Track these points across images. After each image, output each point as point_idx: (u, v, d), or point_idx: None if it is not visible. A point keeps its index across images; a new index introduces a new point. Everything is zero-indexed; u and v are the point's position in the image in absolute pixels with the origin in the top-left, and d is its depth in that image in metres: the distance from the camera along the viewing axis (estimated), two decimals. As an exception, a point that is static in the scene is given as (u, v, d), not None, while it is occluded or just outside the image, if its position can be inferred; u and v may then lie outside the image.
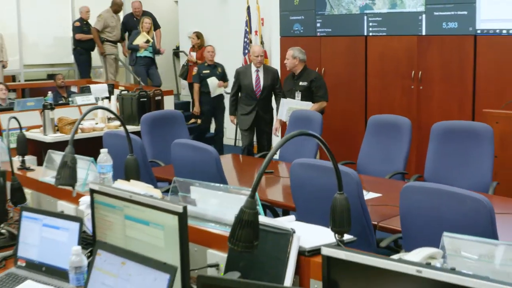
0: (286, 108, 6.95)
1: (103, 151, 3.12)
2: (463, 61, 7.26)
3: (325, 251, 1.80)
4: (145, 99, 7.87)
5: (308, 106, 6.90)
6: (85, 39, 11.06)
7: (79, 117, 3.00)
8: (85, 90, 8.60)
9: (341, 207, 2.25)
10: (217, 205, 2.64)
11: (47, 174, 3.51)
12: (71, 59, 11.69)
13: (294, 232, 2.26)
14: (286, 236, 2.26)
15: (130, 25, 11.07)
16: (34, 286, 2.55)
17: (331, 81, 7.88)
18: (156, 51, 10.55)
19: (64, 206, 3.25)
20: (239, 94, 7.72)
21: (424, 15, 7.50)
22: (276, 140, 8.12)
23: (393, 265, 1.69)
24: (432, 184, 3.48)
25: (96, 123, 7.60)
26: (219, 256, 2.49)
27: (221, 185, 2.72)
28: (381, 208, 4.23)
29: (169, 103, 8.64)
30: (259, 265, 2.29)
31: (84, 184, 3.20)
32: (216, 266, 2.49)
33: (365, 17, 8.02)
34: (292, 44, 8.64)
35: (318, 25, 8.50)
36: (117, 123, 7.67)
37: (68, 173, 2.62)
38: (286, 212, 4.74)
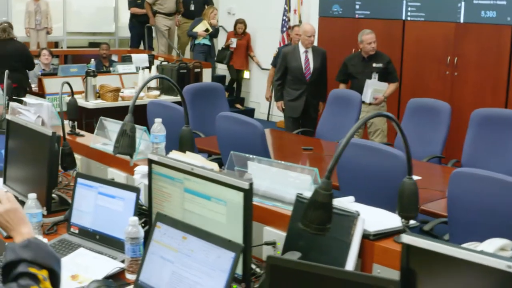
0: (371, 90, 6.54)
1: (157, 121, 2.95)
2: (499, 50, 7.01)
3: (406, 239, 1.62)
4: (185, 71, 7.72)
5: (386, 87, 6.60)
6: (139, 13, 10.80)
7: (140, 84, 2.82)
8: (126, 59, 8.44)
9: (410, 192, 2.08)
10: (275, 182, 2.47)
11: (98, 141, 3.36)
12: (112, 28, 11.53)
13: (358, 214, 2.09)
14: (350, 218, 2.09)
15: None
16: (88, 254, 2.41)
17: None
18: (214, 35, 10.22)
19: (115, 173, 3.10)
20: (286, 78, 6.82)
21: (463, 3, 7.23)
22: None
23: (482, 259, 1.51)
24: (484, 172, 3.29)
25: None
26: (276, 234, 2.33)
27: (280, 161, 2.55)
28: (422, 191, 4.03)
29: (207, 76, 8.46)
30: (320, 246, 2.13)
31: (136, 153, 3.03)
32: (273, 244, 2.34)
33: (404, 1, 7.76)
34: (330, 24, 8.45)
35: (357, 7, 8.25)
36: (157, 92, 7.53)
37: (127, 142, 2.46)
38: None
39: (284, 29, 9.19)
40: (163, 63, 7.87)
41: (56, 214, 2.80)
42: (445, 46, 7.44)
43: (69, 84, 3.43)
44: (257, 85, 10.34)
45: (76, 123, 3.65)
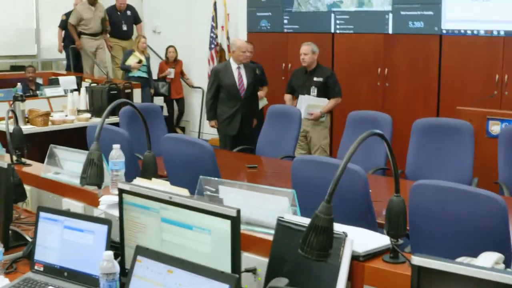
0: (305, 105, 6.50)
1: (116, 147, 2.81)
2: (428, 59, 7.16)
3: (417, 261, 1.57)
4: (115, 92, 7.50)
5: (324, 102, 6.52)
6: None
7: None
8: (53, 82, 8.19)
9: (398, 210, 2.03)
10: (251, 206, 2.38)
11: (48, 170, 3.19)
12: (34, 50, 11.15)
13: (346, 235, 2.02)
14: (338, 240, 2.02)
15: (113, 19, 10.32)
16: (57, 293, 2.25)
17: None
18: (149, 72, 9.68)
19: (71, 204, 2.94)
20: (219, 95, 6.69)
21: (391, 14, 7.36)
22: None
23: (500, 277, 1.47)
24: (445, 182, 3.29)
25: (66, 115, 7.20)
26: (256, 260, 2.24)
27: (252, 184, 2.46)
28: (375, 204, 4.03)
29: (137, 96, 8.28)
30: (308, 271, 2.05)
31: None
32: (253, 270, 2.24)
33: (333, 14, 7.84)
34: (259, 39, 8.41)
35: (286, 21, 8.28)
36: (88, 115, 7.30)
37: (95, 172, 2.32)
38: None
39: (212, 46, 9.12)
40: (92, 84, 7.64)
41: (13, 251, 2.62)
42: (375, 58, 7.54)
43: (14, 112, 3.25)
44: (187, 104, 10.22)
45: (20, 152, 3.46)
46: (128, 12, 10.50)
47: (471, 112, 5.69)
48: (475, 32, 6.81)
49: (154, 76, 9.88)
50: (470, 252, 2.18)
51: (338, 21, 7.80)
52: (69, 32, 10.17)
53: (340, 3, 7.76)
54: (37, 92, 8.11)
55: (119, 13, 10.47)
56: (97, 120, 7.25)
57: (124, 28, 10.46)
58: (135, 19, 10.57)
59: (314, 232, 1.71)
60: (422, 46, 7.18)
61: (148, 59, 9.50)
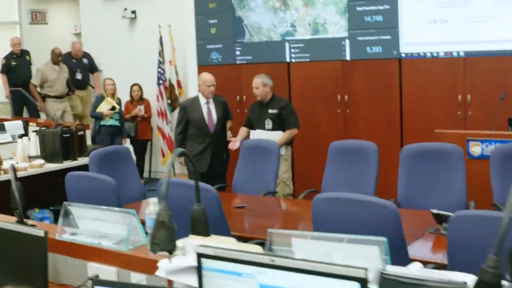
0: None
1: (153, 201, 2.50)
2: (389, 84, 7.08)
3: None
4: (68, 135, 7.07)
5: (278, 136, 6.26)
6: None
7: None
8: (-1, 128, 7.66)
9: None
10: (332, 258, 2.11)
11: (63, 231, 2.81)
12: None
13: (466, 284, 1.79)
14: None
15: (69, 68, 9.74)
16: None
17: (253, 108, 7.34)
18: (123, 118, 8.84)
19: (99, 269, 2.59)
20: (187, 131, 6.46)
21: (347, 40, 7.25)
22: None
23: None
24: (484, 212, 3.12)
25: (17, 163, 6.70)
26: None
27: (327, 233, 2.20)
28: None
29: (88, 137, 7.84)
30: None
31: (127, 242, 2.55)
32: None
33: (287, 43, 7.67)
34: (210, 72, 8.13)
35: (238, 53, 8.05)
36: (41, 161, 6.83)
37: (167, 235, 1.99)
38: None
39: (161, 81, 8.79)
40: (42, 128, 7.17)
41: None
42: (334, 85, 7.41)
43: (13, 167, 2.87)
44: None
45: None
46: (85, 60, 10.01)
47: (450, 135, 5.61)
48: (435, 54, 6.78)
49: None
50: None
51: (293, 50, 7.64)
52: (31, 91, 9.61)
53: (294, 32, 7.61)
54: (-18, 139, 7.58)
55: (74, 60, 9.96)
56: (50, 166, 6.81)
57: (78, 76, 9.98)
58: (92, 68, 10.05)
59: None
60: (381, 70, 7.10)
61: (120, 103, 8.77)
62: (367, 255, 2.09)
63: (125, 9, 9.53)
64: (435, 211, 3.96)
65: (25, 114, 10.21)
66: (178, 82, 8.90)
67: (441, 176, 4.81)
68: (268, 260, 1.78)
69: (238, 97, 8.02)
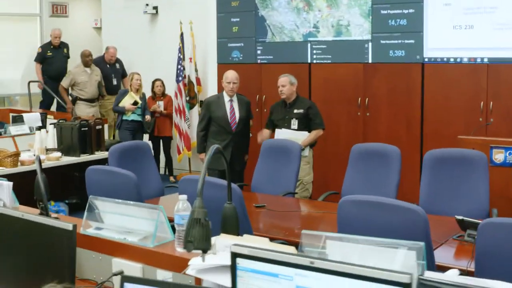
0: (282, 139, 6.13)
1: (182, 198, 2.44)
2: (410, 88, 7.00)
3: None
4: (86, 129, 7.05)
5: (304, 135, 6.19)
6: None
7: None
8: (17, 120, 7.63)
9: None
10: (368, 262, 2.04)
11: (88, 225, 2.76)
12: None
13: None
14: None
15: (102, 73, 9.51)
16: None
17: (273, 108, 7.25)
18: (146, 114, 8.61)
19: (124, 265, 2.53)
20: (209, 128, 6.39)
21: (370, 43, 7.18)
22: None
23: None
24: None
25: (34, 155, 6.67)
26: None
27: (365, 237, 2.13)
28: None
29: (105, 132, 7.81)
30: None
31: (154, 239, 2.50)
32: None
33: (309, 44, 7.61)
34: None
35: (259, 52, 7.99)
36: (58, 154, 6.82)
37: (202, 234, 1.93)
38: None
39: (180, 78, 8.73)
40: (61, 121, 7.14)
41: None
42: (354, 87, 7.34)
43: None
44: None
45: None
46: (117, 65, 9.81)
47: (473, 141, 5.53)
48: (458, 60, 6.70)
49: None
50: None
51: (315, 51, 7.57)
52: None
53: (316, 33, 7.54)
54: (0, 130, 7.55)
55: (108, 66, 9.74)
56: (67, 159, 6.78)
57: (115, 82, 9.78)
58: (123, 73, 9.85)
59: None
60: (403, 74, 7.02)
61: (144, 99, 8.60)
62: (403, 260, 2.02)
63: (147, 4, 9.48)
64: (459, 217, 3.88)
65: (54, 109, 10.11)
66: (198, 80, 8.84)
67: (464, 183, 4.73)
68: (308, 262, 1.73)
69: (257, 96, 7.96)
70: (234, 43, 8.16)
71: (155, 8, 9.49)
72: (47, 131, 7.07)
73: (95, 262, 2.67)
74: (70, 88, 9.37)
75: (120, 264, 2.55)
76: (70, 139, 6.96)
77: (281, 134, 6.27)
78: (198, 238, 1.93)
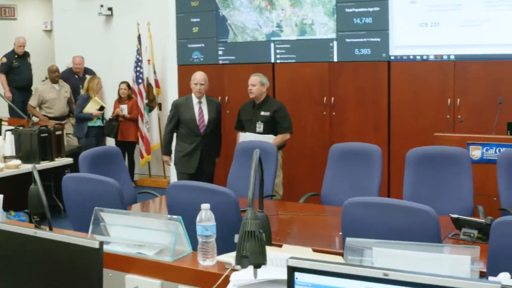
0: None
1: (205, 207, 2.27)
2: (377, 86, 6.95)
3: None
4: (46, 135, 6.76)
5: (269, 139, 6.00)
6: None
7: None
8: (-29, 128, 7.26)
9: None
10: (421, 270, 1.92)
11: (94, 240, 2.55)
12: None
13: None
14: None
15: (70, 83, 9.02)
16: None
17: (236, 109, 6.90)
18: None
19: (139, 281, 2.34)
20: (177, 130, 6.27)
21: (335, 42, 7.10)
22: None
23: None
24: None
25: (-5, 163, 6.37)
26: None
27: (408, 242, 2.01)
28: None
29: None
30: None
31: (173, 252, 2.31)
32: None
33: (272, 44, 7.48)
34: (191, 72, 7.89)
35: (220, 52, 7.82)
36: (17, 162, 6.51)
37: (256, 248, 1.76)
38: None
39: (140, 80, 8.49)
40: (18, 127, 6.82)
41: None
42: (320, 87, 7.25)
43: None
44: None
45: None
46: (87, 76, 9.07)
47: (449, 138, 5.49)
48: (425, 57, 6.68)
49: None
50: None
51: (278, 51, 7.45)
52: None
53: (280, 32, 7.42)
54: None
55: (76, 76, 9.25)
56: (27, 167, 6.48)
57: None
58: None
59: None
60: (369, 73, 6.96)
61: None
62: (450, 265, 1.90)
63: (101, 5, 9.18)
64: (454, 215, 3.81)
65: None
66: (156, 82, 8.63)
67: (447, 180, 4.69)
68: (381, 274, 1.58)
69: (220, 97, 7.78)
70: (195, 44, 7.96)
71: (110, 9, 9.21)
72: (4, 138, 6.74)
73: (104, 280, 2.46)
74: (38, 108, 8.85)
75: (134, 280, 2.36)
76: (30, 146, 6.67)
77: (245, 137, 6.11)
78: (254, 252, 1.76)
